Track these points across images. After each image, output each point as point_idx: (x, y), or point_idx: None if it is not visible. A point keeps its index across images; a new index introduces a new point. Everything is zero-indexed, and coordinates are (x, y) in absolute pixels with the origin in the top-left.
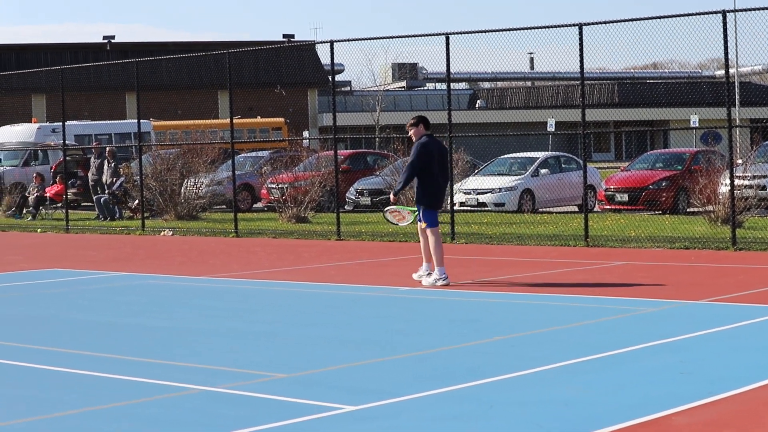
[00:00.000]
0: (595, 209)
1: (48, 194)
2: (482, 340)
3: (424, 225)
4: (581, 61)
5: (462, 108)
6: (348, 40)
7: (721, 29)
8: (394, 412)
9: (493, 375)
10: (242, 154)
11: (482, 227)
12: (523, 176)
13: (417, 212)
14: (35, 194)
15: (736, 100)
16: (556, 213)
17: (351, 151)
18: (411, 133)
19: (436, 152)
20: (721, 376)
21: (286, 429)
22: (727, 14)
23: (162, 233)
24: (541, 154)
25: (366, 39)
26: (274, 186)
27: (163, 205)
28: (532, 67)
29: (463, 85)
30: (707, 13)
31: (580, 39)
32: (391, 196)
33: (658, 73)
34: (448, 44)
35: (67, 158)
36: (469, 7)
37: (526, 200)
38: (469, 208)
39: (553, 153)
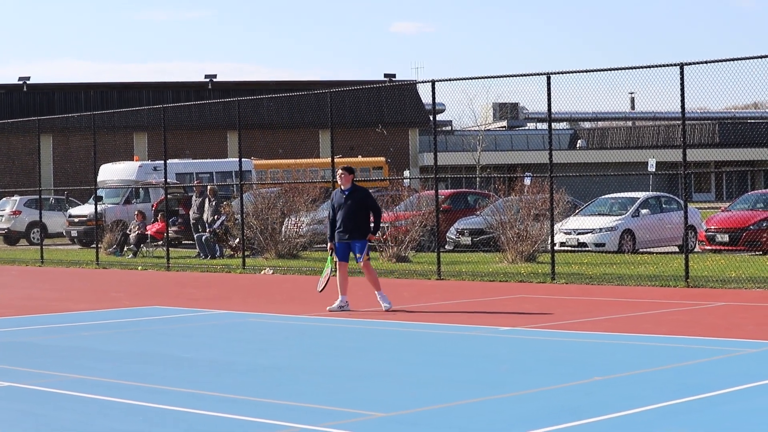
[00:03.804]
0: (695, 250)
1: (149, 232)
2: (582, 380)
3: (366, 258)
4: (682, 101)
5: (563, 148)
6: (449, 80)
7: None
8: None
9: (594, 415)
10: None
11: (582, 267)
12: (623, 216)
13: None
14: (136, 232)
15: None
16: (656, 253)
17: (452, 190)
18: (344, 178)
19: None
20: None
21: None
22: None
23: (263, 272)
24: (641, 194)
25: (467, 78)
26: None
27: (264, 243)
28: (632, 107)
29: (563, 125)
30: None
31: (681, 79)
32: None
33: (760, 113)
34: (549, 84)
35: (169, 196)
36: (570, 47)
37: (627, 240)
38: (569, 248)
39: (654, 193)
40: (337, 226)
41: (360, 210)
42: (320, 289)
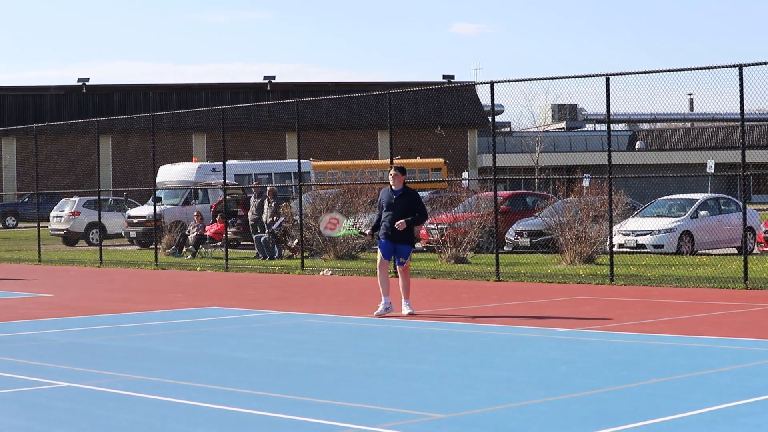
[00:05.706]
0: (754, 251)
1: (208, 233)
2: (640, 382)
3: (408, 263)
4: (741, 102)
5: (621, 149)
6: (508, 81)
7: None
8: None
9: (652, 417)
10: None
11: (641, 269)
12: (682, 218)
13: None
14: (195, 233)
15: None
16: (715, 255)
17: (510, 191)
18: (396, 179)
19: None
20: None
21: None
22: None
23: (321, 273)
24: (700, 196)
25: (526, 80)
26: (433, 226)
27: (323, 244)
28: (691, 108)
29: (622, 126)
30: None
31: (740, 80)
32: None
33: None
34: (608, 85)
35: (227, 197)
36: (629, 49)
37: (685, 242)
38: (628, 249)
39: (713, 195)
40: (383, 224)
41: (409, 213)
42: (323, 228)
